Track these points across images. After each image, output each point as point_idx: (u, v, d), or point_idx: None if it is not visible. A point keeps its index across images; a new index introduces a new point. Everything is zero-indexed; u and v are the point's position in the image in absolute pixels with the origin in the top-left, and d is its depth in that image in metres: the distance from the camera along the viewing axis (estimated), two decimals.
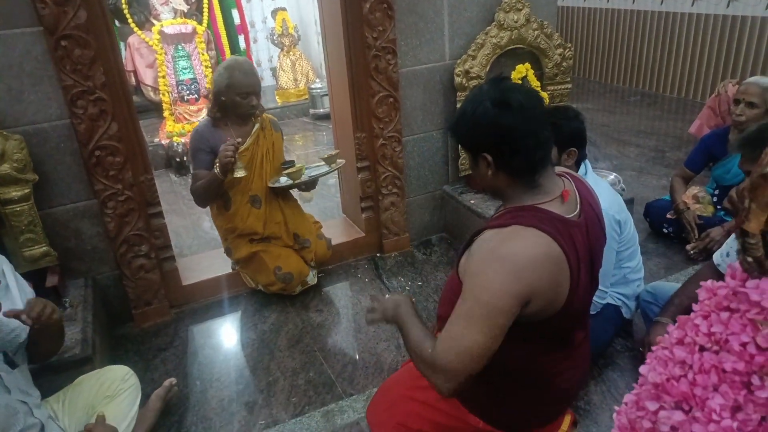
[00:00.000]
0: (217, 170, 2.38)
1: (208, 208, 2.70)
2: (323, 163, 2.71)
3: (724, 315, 0.63)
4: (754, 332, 0.59)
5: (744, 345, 0.59)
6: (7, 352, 1.60)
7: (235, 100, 2.41)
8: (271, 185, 2.59)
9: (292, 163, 2.68)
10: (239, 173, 2.43)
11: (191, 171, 2.58)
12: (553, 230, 1.21)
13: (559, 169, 1.41)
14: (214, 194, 2.52)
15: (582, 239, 1.28)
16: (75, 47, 2.09)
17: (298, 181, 2.57)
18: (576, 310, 1.31)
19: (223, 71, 2.40)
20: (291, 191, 2.74)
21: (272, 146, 2.62)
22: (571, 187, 1.35)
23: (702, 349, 0.64)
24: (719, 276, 1.94)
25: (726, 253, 1.94)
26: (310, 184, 2.67)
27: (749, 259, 0.60)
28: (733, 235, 1.95)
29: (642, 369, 0.72)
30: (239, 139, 2.41)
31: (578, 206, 1.33)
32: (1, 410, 1.44)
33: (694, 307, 0.69)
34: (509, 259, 1.18)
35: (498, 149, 1.24)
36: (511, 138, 1.22)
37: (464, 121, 1.28)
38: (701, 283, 0.68)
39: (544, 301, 1.22)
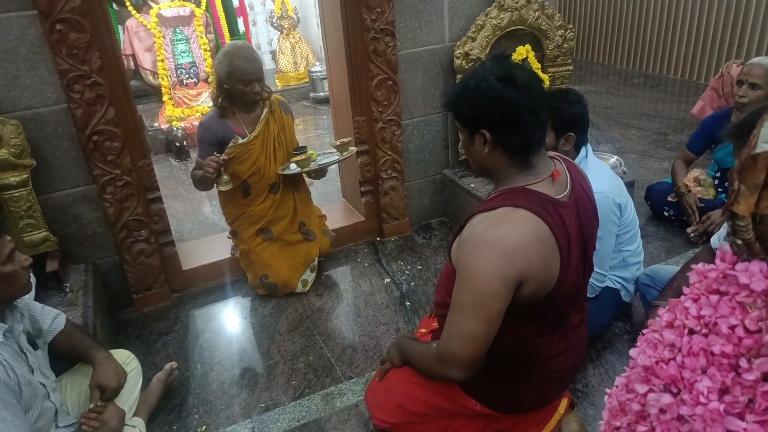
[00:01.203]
0: (200, 172, 2.40)
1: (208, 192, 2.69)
2: (334, 150, 2.66)
3: (714, 298, 0.62)
4: (743, 315, 0.59)
5: (732, 328, 0.59)
6: (30, 332, 1.62)
7: (237, 87, 2.33)
8: (280, 172, 2.54)
9: (304, 149, 2.62)
10: (224, 187, 2.43)
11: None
12: (543, 211, 1.23)
13: (551, 153, 1.42)
14: (207, 188, 2.53)
15: (572, 220, 1.29)
16: (70, 31, 2.08)
17: (307, 169, 2.53)
18: (568, 291, 1.32)
19: (222, 59, 2.32)
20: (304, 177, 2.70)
21: (283, 129, 2.56)
22: (561, 168, 1.37)
23: (691, 332, 0.64)
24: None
25: (724, 237, 1.93)
26: (319, 172, 2.61)
27: (738, 241, 0.59)
28: None
29: (632, 352, 0.72)
30: (224, 157, 2.37)
31: (569, 187, 1.34)
32: (27, 387, 1.46)
33: (685, 290, 0.69)
34: (497, 243, 1.19)
35: (498, 125, 1.25)
36: (513, 114, 1.22)
37: (466, 95, 1.28)
38: (692, 266, 0.68)
39: (536, 282, 1.23)
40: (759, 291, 0.57)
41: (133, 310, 2.64)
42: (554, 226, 1.23)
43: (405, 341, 1.62)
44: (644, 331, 0.72)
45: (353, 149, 2.69)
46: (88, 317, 2.12)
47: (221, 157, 2.36)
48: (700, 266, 0.67)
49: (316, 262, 2.77)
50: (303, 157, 2.51)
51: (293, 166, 2.56)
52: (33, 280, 2.15)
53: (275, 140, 2.52)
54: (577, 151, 2.08)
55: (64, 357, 1.79)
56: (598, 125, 4.71)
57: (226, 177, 2.44)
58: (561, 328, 1.42)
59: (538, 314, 1.33)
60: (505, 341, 1.36)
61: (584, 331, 1.56)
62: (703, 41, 5.43)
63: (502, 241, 1.19)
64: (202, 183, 2.48)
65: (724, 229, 1.96)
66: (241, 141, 2.42)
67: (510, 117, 1.23)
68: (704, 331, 0.63)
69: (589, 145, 2.12)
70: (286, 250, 2.66)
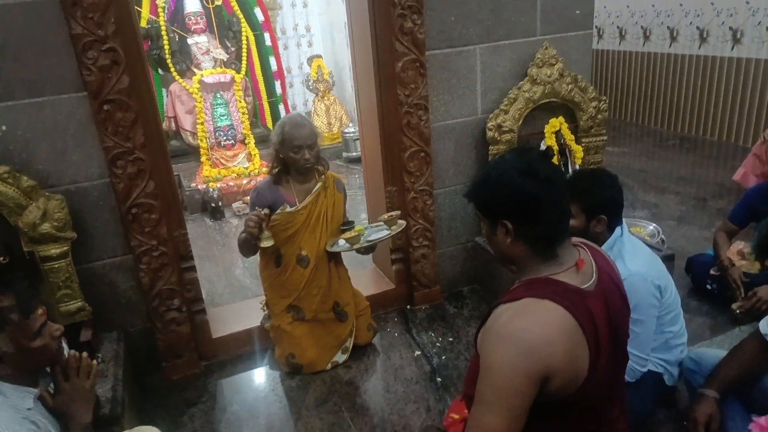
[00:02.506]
0: (244, 234, 2.38)
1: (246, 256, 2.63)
2: (382, 223, 2.60)
3: None
4: None
5: None
6: None
7: (289, 155, 2.39)
8: (328, 249, 2.51)
9: (352, 224, 2.59)
10: (265, 243, 2.38)
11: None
12: (568, 302, 1.19)
13: (575, 239, 1.39)
14: (250, 251, 2.51)
15: (600, 310, 1.25)
16: (117, 111, 2.17)
17: (357, 245, 2.47)
18: (602, 385, 1.26)
19: (277, 128, 2.41)
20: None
21: (332, 207, 2.54)
22: (587, 257, 1.34)
23: None
24: (766, 347, 1.83)
25: None
26: (369, 248, 2.56)
27: None
28: None
29: None
30: (266, 211, 2.36)
31: (594, 276, 1.30)
32: None
33: None
34: (519, 337, 1.16)
35: (520, 217, 1.24)
36: (534, 207, 1.22)
37: (488, 187, 1.29)
38: (754, 418, 0.63)
39: (563, 377, 1.18)
40: None
41: (161, 379, 2.62)
42: (580, 318, 1.19)
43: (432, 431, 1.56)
44: None
45: (402, 223, 2.60)
46: (118, 390, 2.11)
47: (263, 211, 2.35)
48: (762, 421, 0.62)
49: (349, 344, 2.70)
50: (353, 234, 2.47)
51: (342, 242, 2.51)
52: (66, 348, 2.18)
53: (321, 216, 2.51)
54: (611, 232, 2.02)
55: None
56: (633, 188, 4.63)
57: (267, 233, 2.38)
58: (598, 423, 1.35)
59: (572, 410, 1.27)
60: None
61: (624, 425, 1.48)
62: (740, 104, 5.36)
63: (524, 335, 1.16)
64: (245, 245, 2.48)
65: None
66: (289, 209, 2.44)
67: (532, 209, 1.23)
68: None
69: (625, 224, 2.07)
70: (318, 330, 2.60)
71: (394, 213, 2.60)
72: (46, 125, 2.16)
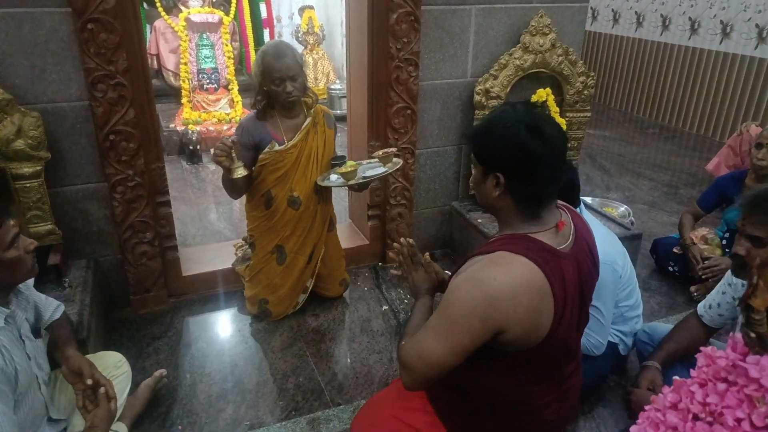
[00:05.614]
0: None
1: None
2: (377, 160, 2.44)
3: (721, 386, 0.61)
4: (750, 409, 0.58)
5: (738, 421, 0.58)
6: (29, 321, 1.61)
7: (271, 88, 2.21)
8: (319, 183, 2.38)
9: (342, 159, 2.44)
10: (237, 173, 2.24)
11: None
12: (541, 260, 1.22)
13: (558, 202, 1.42)
14: (234, 191, 2.38)
15: (572, 272, 1.28)
16: (101, 31, 2.11)
17: (353, 181, 2.32)
18: (562, 342, 1.31)
19: (257, 57, 2.24)
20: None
21: (323, 144, 2.40)
22: (567, 220, 1.37)
23: (696, 417, 0.63)
24: (702, 325, 1.93)
25: (709, 305, 1.92)
26: (363, 185, 2.42)
27: (752, 334, 0.59)
28: (717, 287, 1.92)
29: (633, 429, 0.71)
30: (233, 138, 2.22)
31: (571, 238, 1.33)
32: (24, 375, 1.44)
33: (692, 372, 0.68)
34: (487, 284, 1.19)
35: (515, 173, 1.25)
36: (532, 165, 1.22)
37: (492, 134, 1.27)
38: (701, 348, 0.67)
39: (520, 330, 1.21)
40: None
41: (129, 311, 2.63)
42: (551, 276, 1.22)
43: (421, 304, 1.57)
44: (647, 407, 0.71)
45: (399, 161, 2.49)
46: (84, 315, 2.11)
47: (230, 139, 2.19)
48: (709, 350, 0.66)
49: (310, 283, 2.67)
50: (348, 168, 2.30)
51: (334, 177, 2.38)
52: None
53: (312, 154, 2.38)
54: None
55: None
56: (610, 171, 4.72)
57: (238, 162, 2.23)
58: (554, 376, 1.41)
59: (531, 363, 1.32)
60: (497, 387, 1.35)
61: (578, 380, 1.55)
62: (721, 99, 5.45)
63: (492, 283, 1.18)
64: (225, 182, 2.35)
65: (710, 298, 1.94)
66: (277, 147, 2.30)
67: (529, 168, 1.23)
68: (709, 419, 0.61)
69: (582, 205, 2.10)
70: (290, 275, 2.55)
71: (390, 150, 2.47)
72: (24, 39, 2.08)
